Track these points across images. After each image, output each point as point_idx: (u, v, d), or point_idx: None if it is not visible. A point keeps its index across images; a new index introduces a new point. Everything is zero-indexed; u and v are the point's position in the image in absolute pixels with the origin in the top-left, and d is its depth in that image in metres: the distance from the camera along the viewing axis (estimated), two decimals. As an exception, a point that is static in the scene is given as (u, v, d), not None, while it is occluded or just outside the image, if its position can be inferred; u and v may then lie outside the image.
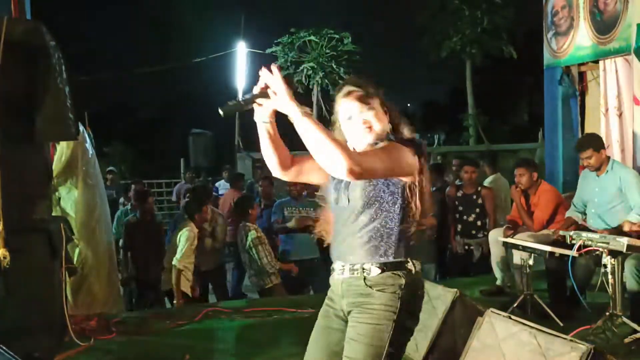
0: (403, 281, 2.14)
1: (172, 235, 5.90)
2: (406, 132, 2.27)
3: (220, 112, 2.05)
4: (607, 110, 6.47)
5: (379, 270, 2.14)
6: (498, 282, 5.61)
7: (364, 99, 2.20)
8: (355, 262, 2.18)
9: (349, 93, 2.22)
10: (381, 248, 2.15)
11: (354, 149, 2.16)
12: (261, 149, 2.21)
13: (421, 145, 2.22)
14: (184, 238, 5.56)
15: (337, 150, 1.92)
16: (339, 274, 2.23)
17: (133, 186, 8.26)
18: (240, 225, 5.99)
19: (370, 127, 2.20)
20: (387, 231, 2.16)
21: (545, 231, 5.18)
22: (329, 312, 2.29)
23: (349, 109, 2.22)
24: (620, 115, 6.30)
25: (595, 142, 4.96)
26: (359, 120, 2.20)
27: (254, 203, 6.28)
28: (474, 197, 6.37)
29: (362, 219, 2.16)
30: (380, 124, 2.21)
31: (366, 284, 2.15)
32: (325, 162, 1.97)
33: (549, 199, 5.31)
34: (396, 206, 2.15)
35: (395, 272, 2.13)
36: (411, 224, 2.17)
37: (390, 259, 2.15)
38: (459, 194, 6.46)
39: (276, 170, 2.27)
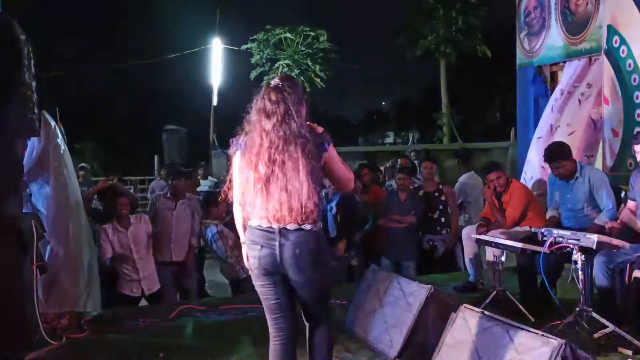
0: None
1: None
2: None
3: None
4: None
5: None
6: (470, 279, 5.69)
7: None
8: None
9: None
10: None
11: None
12: None
13: None
14: None
15: None
16: None
17: None
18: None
19: None
20: None
21: (517, 228, 5.25)
22: None
23: None
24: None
25: (562, 152, 4.97)
26: None
27: (217, 200, 6.24)
28: (436, 194, 6.48)
29: None
30: None
31: None
32: None
33: (520, 197, 5.39)
34: None
35: None
36: None
37: None
38: (420, 192, 6.56)
39: None
